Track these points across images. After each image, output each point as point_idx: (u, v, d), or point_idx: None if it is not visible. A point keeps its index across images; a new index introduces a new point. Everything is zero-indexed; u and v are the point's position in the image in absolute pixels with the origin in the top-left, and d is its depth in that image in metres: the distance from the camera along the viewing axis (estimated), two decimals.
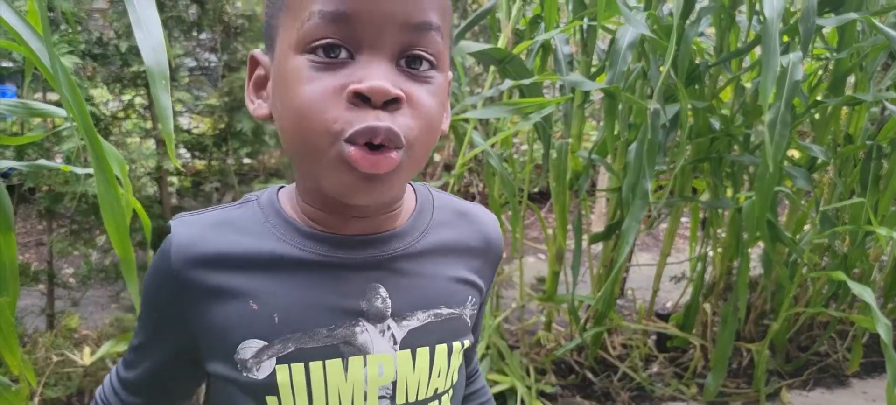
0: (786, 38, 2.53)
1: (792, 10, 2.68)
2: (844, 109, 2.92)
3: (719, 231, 3.08)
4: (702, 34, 2.94)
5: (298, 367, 0.62)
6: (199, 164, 3.12)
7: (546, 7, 2.56)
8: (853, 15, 2.24)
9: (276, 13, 0.61)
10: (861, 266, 3.08)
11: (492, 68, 2.49)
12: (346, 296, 0.63)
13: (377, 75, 0.55)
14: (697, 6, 2.51)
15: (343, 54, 0.57)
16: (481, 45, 2.37)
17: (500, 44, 2.47)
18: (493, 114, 2.37)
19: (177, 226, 0.65)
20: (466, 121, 2.48)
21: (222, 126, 2.99)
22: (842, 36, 2.58)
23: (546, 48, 2.82)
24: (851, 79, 2.87)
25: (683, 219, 5.22)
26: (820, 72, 3.01)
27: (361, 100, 0.55)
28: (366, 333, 0.64)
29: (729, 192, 2.85)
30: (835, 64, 2.61)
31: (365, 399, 0.64)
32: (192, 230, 0.65)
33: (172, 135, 0.97)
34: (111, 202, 1.35)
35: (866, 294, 2.26)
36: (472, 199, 4.27)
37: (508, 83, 2.25)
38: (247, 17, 2.87)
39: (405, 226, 0.68)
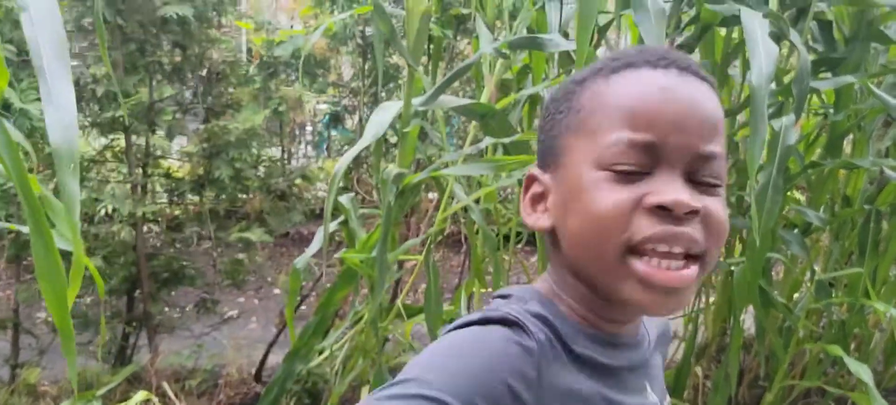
0: (780, 97, 2.44)
1: (786, 68, 2.60)
2: (842, 170, 2.82)
3: (711, 291, 2.97)
4: None
5: None
6: (177, 209, 3.04)
7: (534, 59, 2.48)
8: (849, 78, 2.15)
9: (564, 133, 0.66)
10: (861, 331, 2.96)
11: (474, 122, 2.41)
12: (629, 394, 0.68)
13: (676, 190, 0.59)
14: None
15: (642, 166, 0.61)
16: (462, 101, 2.29)
17: (483, 98, 2.39)
18: (473, 171, 2.28)
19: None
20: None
21: (201, 171, 2.92)
22: (838, 97, 2.49)
23: (534, 101, 2.74)
24: (851, 136, 2.78)
25: None
26: (818, 129, 2.92)
27: (662, 212, 0.59)
28: None
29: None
30: (831, 125, 2.52)
31: None
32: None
33: (78, 223, 0.88)
34: (50, 269, 1.25)
35: (863, 372, 2.14)
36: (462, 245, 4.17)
37: (488, 141, 2.17)
38: (229, 64, 2.81)
39: (640, 325, 0.73)
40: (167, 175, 3.04)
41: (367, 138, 2.13)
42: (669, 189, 0.59)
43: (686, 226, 0.60)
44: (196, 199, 3.03)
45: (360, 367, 2.58)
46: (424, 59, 2.63)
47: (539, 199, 0.68)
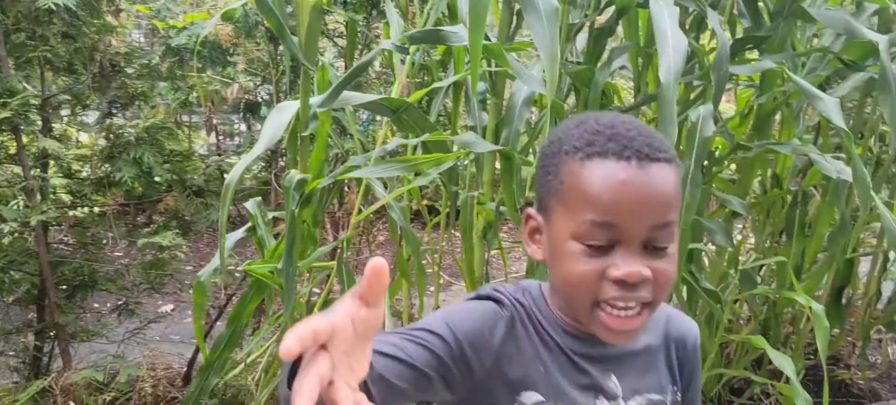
0: (701, 81, 2.35)
1: (708, 47, 2.50)
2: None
3: None
4: (624, 67, 2.75)
5: None
6: (81, 212, 2.84)
7: (455, 48, 2.34)
8: (768, 63, 2.06)
9: (552, 195, 0.84)
10: (793, 310, 2.94)
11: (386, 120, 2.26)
12: (592, 378, 0.89)
13: (630, 265, 0.78)
14: (609, 46, 2.32)
15: (606, 242, 0.79)
16: (369, 97, 2.14)
17: (394, 93, 2.24)
18: (384, 173, 2.15)
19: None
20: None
21: (102, 172, 2.72)
22: (764, 78, 2.40)
23: (459, 87, 2.59)
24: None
25: None
26: (750, 105, 2.84)
27: (620, 281, 0.79)
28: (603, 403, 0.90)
29: None
30: (758, 107, 2.44)
31: None
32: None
33: None
34: None
35: (787, 366, 2.10)
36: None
37: (397, 141, 2.03)
38: (123, 55, 2.59)
39: None
40: (69, 175, 2.83)
41: (263, 144, 1.97)
42: (625, 264, 0.79)
43: (639, 290, 0.79)
44: (102, 199, 2.84)
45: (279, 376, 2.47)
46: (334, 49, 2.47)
47: (535, 231, 0.89)
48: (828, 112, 1.94)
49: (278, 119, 2.03)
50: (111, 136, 2.59)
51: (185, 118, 4.56)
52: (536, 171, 0.89)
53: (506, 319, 0.88)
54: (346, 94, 2.13)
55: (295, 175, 2.06)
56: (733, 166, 3.25)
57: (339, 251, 2.28)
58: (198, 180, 3.10)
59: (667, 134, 1.67)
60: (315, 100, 2.03)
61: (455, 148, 2.24)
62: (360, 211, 2.35)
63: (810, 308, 2.02)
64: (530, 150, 2.59)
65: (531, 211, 0.89)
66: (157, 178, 2.89)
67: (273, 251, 2.24)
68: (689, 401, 0.99)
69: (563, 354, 0.89)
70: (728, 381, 3.01)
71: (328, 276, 2.68)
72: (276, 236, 2.36)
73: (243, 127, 4.70)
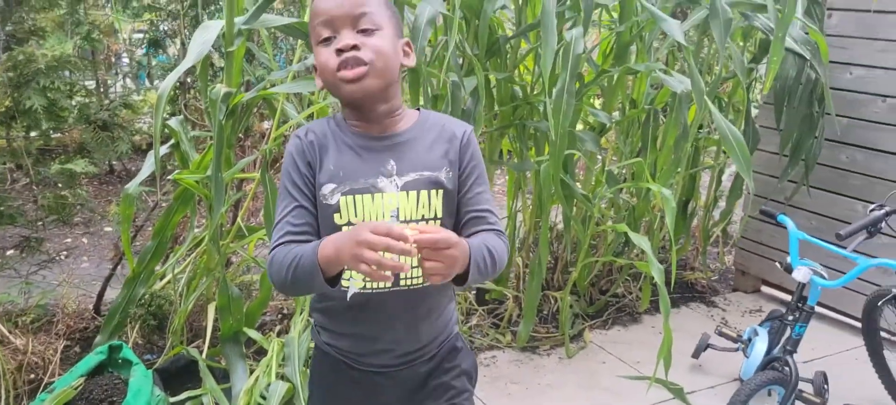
0: (572, 11, 2.76)
1: None
2: (630, 76, 3.25)
3: (528, 191, 3.33)
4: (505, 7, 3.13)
5: (350, 198, 1.20)
6: None
7: None
8: None
9: (310, 32, 1.23)
10: (649, 217, 3.48)
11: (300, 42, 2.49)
12: (374, 163, 1.22)
13: (342, 39, 1.17)
14: None
15: (329, 35, 1.19)
16: (285, 19, 2.36)
17: (306, 17, 2.47)
18: (302, 89, 2.39)
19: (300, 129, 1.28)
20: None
21: (8, 103, 2.75)
22: (623, 10, 2.86)
23: None
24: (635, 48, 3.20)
25: (500, 181, 5.57)
26: (611, 44, 3.32)
27: (342, 51, 1.17)
28: (383, 181, 1.21)
29: (533, 155, 3.09)
30: (617, 36, 2.90)
31: (383, 216, 1.21)
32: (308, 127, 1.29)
33: None
34: None
35: (643, 243, 2.57)
36: None
37: (313, 58, 2.27)
38: None
39: (406, 129, 1.27)
40: None
41: (191, 58, 2.15)
42: (340, 39, 1.17)
43: (358, 53, 1.16)
44: (5, 132, 2.85)
45: (203, 286, 2.65)
46: None
47: (314, 69, 1.28)
48: (672, 31, 2.41)
49: (204, 36, 2.22)
50: (18, 65, 2.63)
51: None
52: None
53: (305, 142, 1.24)
54: (264, 16, 2.35)
55: (221, 88, 2.25)
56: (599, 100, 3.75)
57: (260, 162, 2.49)
58: (102, 115, 3.16)
59: (548, 44, 2.05)
60: (239, 19, 2.23)
61: None
62: (279, 127, 2.57)
63: (660, 192, 2.49)
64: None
65: (310, 57, 1.35)
66: (63, 112, 2.94)
67: (198, 163, 2.42)
68: (469, 181, 1.28)
69: (350, 150, 1.23)
70: (596, 280, 3.52)
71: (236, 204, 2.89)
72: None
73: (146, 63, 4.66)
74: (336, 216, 1.20)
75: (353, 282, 1.22)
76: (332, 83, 1.19)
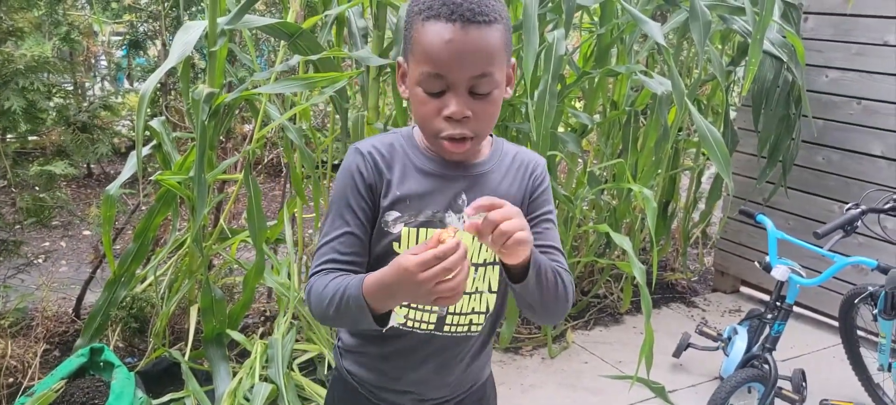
0: (554, 13, 2.78)
1: None
2: (611, 79, 3.29)
3: None
4: None
5: (414, 230, 1.11)
6: None
7: None
8: None
9: (407, 48, 1.08)
10: (630, 218, 3.52)
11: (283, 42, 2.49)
12: (446, 194, 1.12)
13: (455, 105, 1.03)
14: None
15: (440, 89, 1.04)
16: (267, 20, 2.36)
17: (289, 18, 2.47)
18: (284, 89, 2.38)
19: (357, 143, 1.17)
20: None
21: None
22: (603, 13, 2.89)
23: (341, 21, 2.86)
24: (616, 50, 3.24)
25: None
26: (592, 46, 3.35)
27: (450, 117, 1.04)
28: (452, 217, 1.11)
29: None
30: (598, 38, 2.93)
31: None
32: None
33: None
34: None
35: (625, 243, 2.60)
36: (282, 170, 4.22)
37: (297, 59, 2.27)
38: None
39: (483, 160, 1.16)
40: None
41: (173, 58, 2.14)
42: (452, 104, 1.03)
43: (464, 127, 1.05)
44: None
45: (186, 288, 2.63)
46: None
47: (404, 76, 1.11)
48: (652, 33, 2.45)
49: (187, 37, 2.21)
50: None
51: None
52: (405, 26, 1.10)
53: (368, 161, 1.11)
54: (247, 16, 2.34)
55: (204, 89, 2.24)
56: (581, 102, 3.79)
57: (243, 163, 2.48)
58: (82, 116, 3.13)
59: (530, 45, 2.07)
60: (222, 19, 2.22)
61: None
62: (261, 129, 2.56)
63: (641, 192, 2.52)
64: None
65: (400, 60, 1.12)
66: (42, 113, 2.91)
67: (180, 164, 2.41)
68: (537, 217, 1.16)
69: (421, 175, 1.12)
70: (578, 281, 3.55)
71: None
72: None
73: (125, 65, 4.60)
74: (395, 244, 1.11)
75: (395, 316, 1.11)
76: (427, 133, 1.08)
